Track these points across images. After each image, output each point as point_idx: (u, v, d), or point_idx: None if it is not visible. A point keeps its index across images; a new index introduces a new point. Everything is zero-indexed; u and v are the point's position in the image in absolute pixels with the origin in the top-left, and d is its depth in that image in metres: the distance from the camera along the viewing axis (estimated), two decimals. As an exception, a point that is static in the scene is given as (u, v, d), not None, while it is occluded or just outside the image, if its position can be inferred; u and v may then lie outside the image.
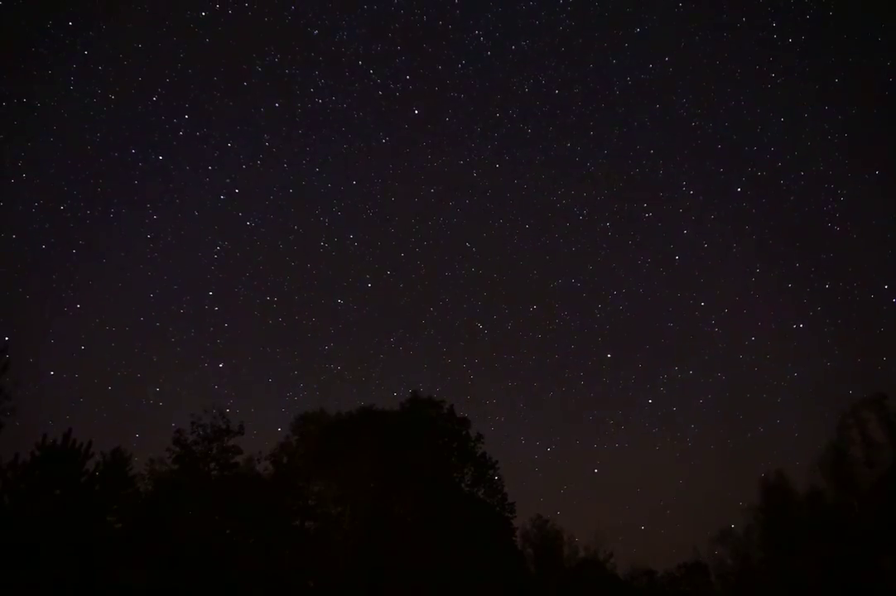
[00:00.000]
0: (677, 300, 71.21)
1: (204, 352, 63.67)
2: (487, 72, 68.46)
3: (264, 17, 60.26)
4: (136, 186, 61.23)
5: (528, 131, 70.04)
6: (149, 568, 23.35)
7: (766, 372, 66.23)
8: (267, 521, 29.00)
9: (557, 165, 73.67)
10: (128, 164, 60.49)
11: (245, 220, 65.93)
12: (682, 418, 70.07)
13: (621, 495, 69.64)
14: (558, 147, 71.00)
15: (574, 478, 71.39)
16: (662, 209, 70.64)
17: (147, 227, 62.47)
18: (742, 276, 67.55)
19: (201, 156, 64.04)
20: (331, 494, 33.79)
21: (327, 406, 43.39)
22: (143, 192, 63.31)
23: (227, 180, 68.00)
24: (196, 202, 66.56)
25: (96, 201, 62.87)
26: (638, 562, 48.44)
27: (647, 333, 73.86)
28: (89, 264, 61.21)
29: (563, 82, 68.28)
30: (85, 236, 61.59)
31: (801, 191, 63.77)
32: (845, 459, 32.54)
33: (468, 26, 64.15)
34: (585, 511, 65.58)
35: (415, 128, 71.20)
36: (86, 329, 59.67)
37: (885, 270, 57.16)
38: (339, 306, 68.62)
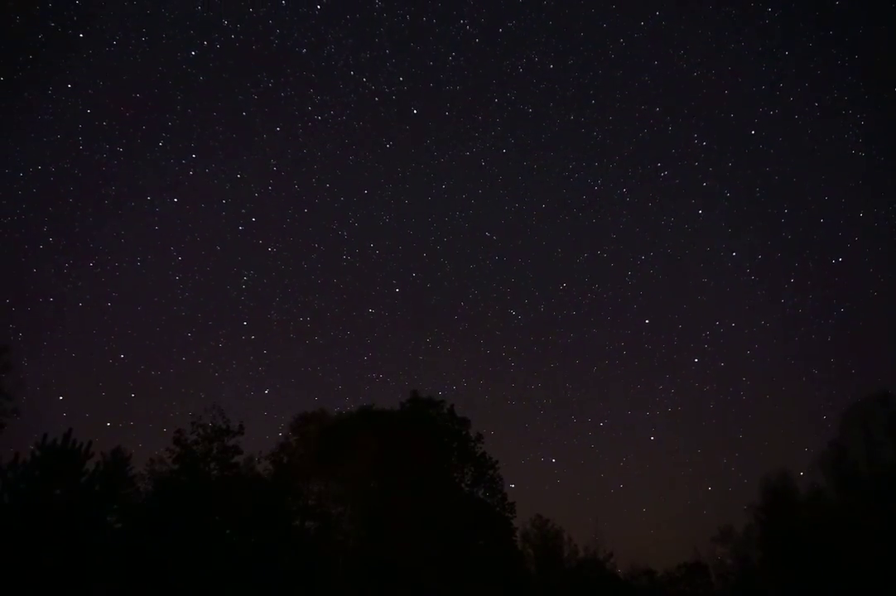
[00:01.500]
0: (707, 254, 70.53)
1: (249, 381, 64.68)
2: (479, 59, 68.63)
3: (251, 46, 61.45)
4: (158, 232, 63.25)
5: (529, 111, 69.39)
6: (149, 568, 23.32)
7: (812, 312, 65.06)
8: (267, 521, 28.95)
9: (564, 140, 73.09)
10: (145, 211, 62.29)
11: (266, 247, 66.83)
12: (732, 373, 68.86)
13: (685, 457, 69.79)
14: (562, 122, 70.06)
15: (634, 449, 70.44)
16: (678, 166, 69.57)
17: (175, 270, 63.48)
18: (771, 219, 66.02)
19: (214, 191, 65.27)
20: (331, 494, 33.77)
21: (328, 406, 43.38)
22: (165, 236, 65.23)
23: (243, 211, 68.63)
24: (216, 237, 67.82)
25: (122, 253, 63.69)
26: (638, 562, 48.52)
27: (683, 293, 72.50)
28: (125, 315, 63.30)
29: (556, 56, 67.82)
30: (117, 288, 62.83)
31: (819, 122, 62.14)
32: (846, 459, 32.60)
33: (452, 17, 63.76)
34: (650, 480, 66.02)
35: (416, 127, 71.14)
36: (133, 377, 61.17)
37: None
38: (371, 316, 69.17)
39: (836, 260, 61.16)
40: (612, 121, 69.77)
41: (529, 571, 39.74)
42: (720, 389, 67.46)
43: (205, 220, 66.64)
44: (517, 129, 73.14)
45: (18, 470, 21.97)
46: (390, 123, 71.50)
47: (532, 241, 75.12)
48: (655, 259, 71.46)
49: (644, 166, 69.76)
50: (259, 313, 69.64)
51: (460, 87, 68.41)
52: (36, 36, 51.39)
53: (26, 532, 20.51)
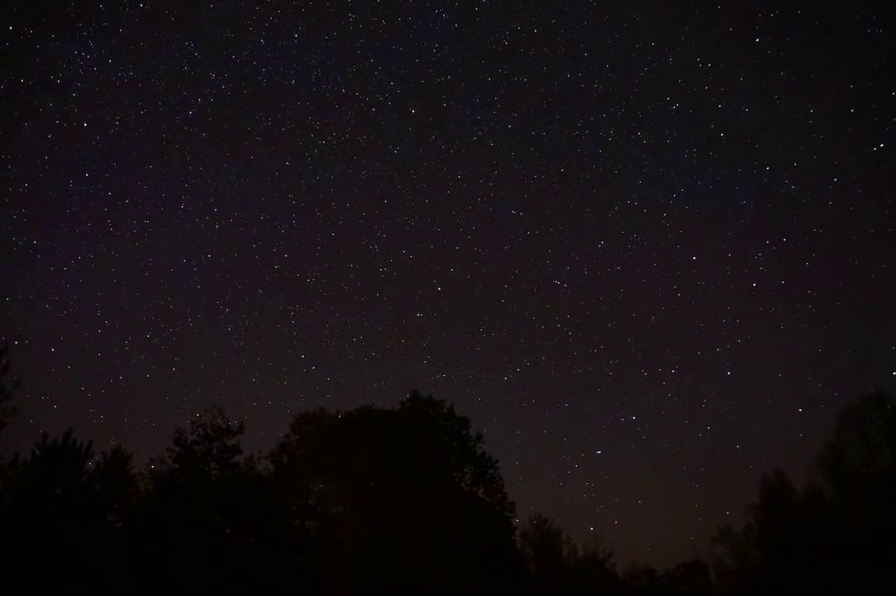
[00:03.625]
0: (739, 177, 66.74)
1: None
2: (462, 43, 67.44)
3: (243, 91, 63.14)
4: (201, 290, 65.22)
5: (525, 81, 67.48)
6: (149, 567, 23.41)
7: (865, 205, 61.09)
8: (267, 521, 29.05)
9: (566, 101, 70.71)
10: (184, 273, 64.29)
11: (305, 279, 67.94)
12: (795, 289, 65.51)
13: (767, 384, 68.30)
14: (559, 83, 67.50)
15: (713, 388, 67.57)
16: (688, 95, 65.31)
17: (224, 321, 65.35)
18: (798, 122, 61.48)
19: (243, 238, 67.52)
20: (331, 494, 33.86)
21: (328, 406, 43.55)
22: (208, 292, 67.41)
23: (274, 250, 69.10)
24: (256, 281, 69.56)
25: (174, 318, 65.66)
26: (638, 561, 48.56)
27: (724, 220, 69.61)
28: (193, 375, 65.72)
29: (537, 20, 65.00)
30: (178, 353, 65.86)
31: (826, 13, 58.39)
32: (844, 459, 32.62)
33: (425, 10, 62.24)
34: (735, 414, 64.85)
35: (418, 126, 71.01)
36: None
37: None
38: (420, 320, 69.33)
39: (878, 146, 55.31)
40: (610, 68, 66.34)
41: (529, 571, 39.78)
42: (787, 307, 64.48)
43: (241, 267, 69.37)
44: (517, 102, 71.61)
45: (19, 470, 22.08)
46: (392, 129, 71.21)
47: (559, 207, 73.79)
48: (688, 194, 69.40)
49: (653, 104, 65.87)
50: (314, 343, 71.13)
51: (451, 75, 67.93)
52: (46, 136, 54.72)
53: (27, 532, 20.60)
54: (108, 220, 60.31)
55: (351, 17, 61.50)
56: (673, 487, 66.43)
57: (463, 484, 37.81)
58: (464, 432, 39.12)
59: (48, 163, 55.80)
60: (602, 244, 72.41)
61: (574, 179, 72.50)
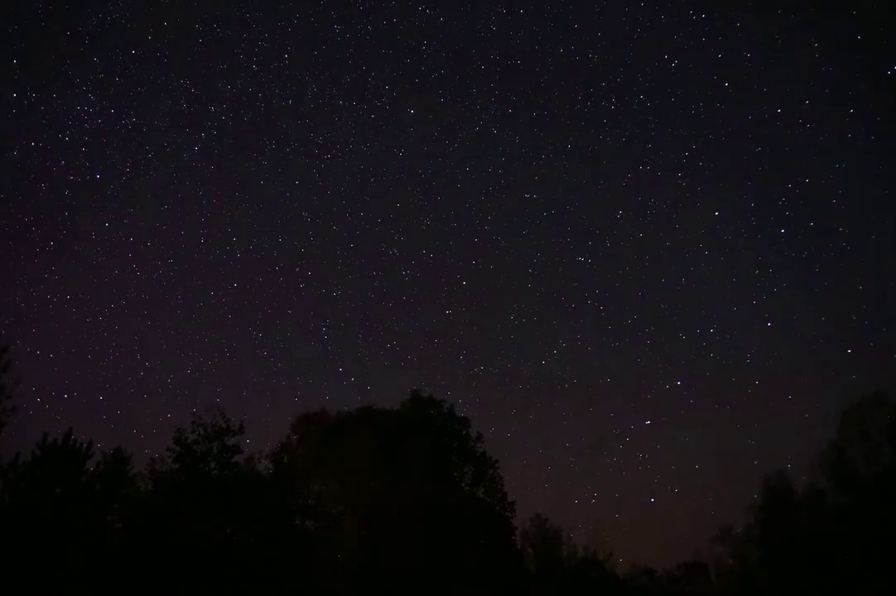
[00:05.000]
0: (751, 124, 65.28)
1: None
2: (451, 36, 67.76)
3: (243, 118, 64.74)
4: (232, 320, 68.04)
5: (519, 63, 67.38)
6: (149, 568, 23.37)
7: (878, 148, 60.48)
8: (267, 520, 28.99)
9: (563, 76, 70.49)
10: (213, 306, 66.56)
11: (331, 293, 68.91)
12: (824, 228, 64.55)
13: (801, 332, 68.21)
14: (553, 62, 66.69)
15: (756, 344, 68.79)
16: (686, 50, 62.75)
17: (259, 347, 67.60)
18: (804, 63, 59.63)
19: (265, 264, 68.95)
20: (331, 494, 33.85)
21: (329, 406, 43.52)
22: (240, 321, 69.79)
23: (296, 269, 70.38)
24: (284, 303, 71.08)
25: (205, 348, 67.20)
26: (638, 561, 48.53)
27: (743, 171, 67.47)
28: (229, 397, 66.78)
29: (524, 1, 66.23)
30: (220, 383, 66.26)
31: None
32: (845, 459, 32.60)
33: (408, 8, 62.08)
34: (780, 380, 65.62)
35: (419, 126, 71.48)
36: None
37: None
38: (450, 318, 70.22)
39: (892, 69, 51.60)
40: (602, 36, 65.44)
41: (529, 571, 39.79)
42: (819, 248, 64.00)
43: (267, 292, 70.59)
44: (514, 85, 71.79)
45: (18, 470, 22.02)
46: (394, 132, 71.57)
47: (572, 183, 73.18)
48: (701, 150, 67.90)
49: (651, 65, 64.18)
50: (349, 356, 72.71)
51: (444, 70, 68.65)
52: (63, 193, 57.45)
53: (26, 532, 20.56)
54: (133, 265, 62.23)
55: (336, 28, 62.13)
56: (728, 446, 65.96)
57: (463, 484, 37.83)
58: (464, 432, 39.15)
59: (69, 219, 58.08)
60: (620, 214, 71.93)
61: (582, 154, 72.33)
